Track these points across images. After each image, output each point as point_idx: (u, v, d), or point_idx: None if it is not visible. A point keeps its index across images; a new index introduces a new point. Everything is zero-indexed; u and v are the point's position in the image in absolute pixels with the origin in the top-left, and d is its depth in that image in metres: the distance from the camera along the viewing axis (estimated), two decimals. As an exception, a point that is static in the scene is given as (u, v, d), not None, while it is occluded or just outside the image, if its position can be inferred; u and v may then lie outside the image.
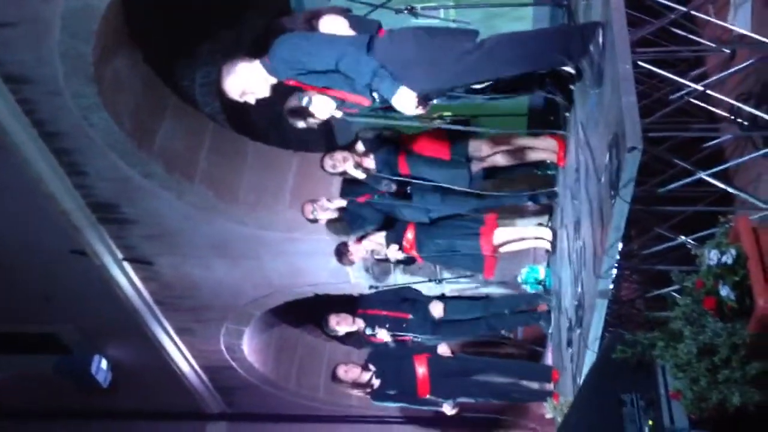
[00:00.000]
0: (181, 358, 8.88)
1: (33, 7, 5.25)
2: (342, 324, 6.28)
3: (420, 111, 4.23)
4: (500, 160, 5.65)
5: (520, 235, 6.07)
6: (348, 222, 6.13)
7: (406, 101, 4.07)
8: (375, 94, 4.14)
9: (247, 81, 4.16)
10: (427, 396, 6.28)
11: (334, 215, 6.06)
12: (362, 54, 4.03)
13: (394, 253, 5.99)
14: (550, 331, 6.29)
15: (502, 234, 5.98)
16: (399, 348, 6.45)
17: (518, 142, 5.63)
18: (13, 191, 6.73)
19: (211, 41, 7.13)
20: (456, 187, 5.60)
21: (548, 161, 5.60)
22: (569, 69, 4.27)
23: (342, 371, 6.14)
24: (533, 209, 6.26)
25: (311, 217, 6.02)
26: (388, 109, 4.47)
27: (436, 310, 6.30)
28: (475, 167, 5.59)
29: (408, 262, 6.39)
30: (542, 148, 5.53)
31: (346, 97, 4.29)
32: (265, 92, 4.25)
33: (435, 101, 4.48)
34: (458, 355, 6.42)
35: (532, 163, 5.70)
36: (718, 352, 2.76)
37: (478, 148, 5.56)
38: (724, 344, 2.75)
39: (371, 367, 6.18)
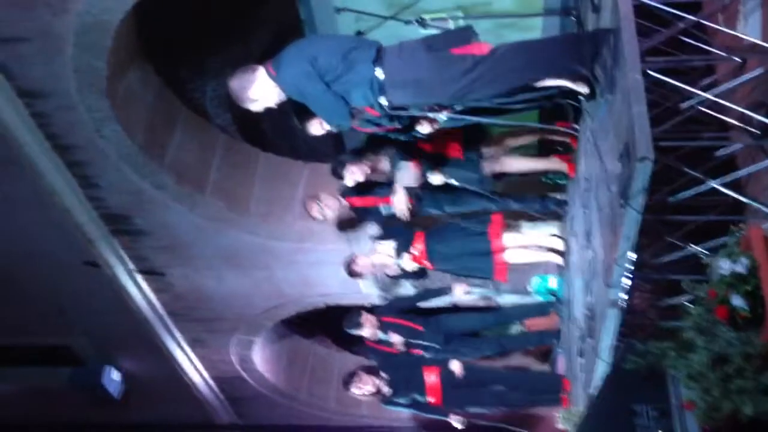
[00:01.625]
0: (193, 369, 8.89)
1: (47, 22, 5.31)
2: (369, 323, 6.24)
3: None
4: (511, 166, 5.68)
5: (532, 242, 6.05)
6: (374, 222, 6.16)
7: None
8: (382, 99, 4.15)
9: (256, 89, 4.15)
10: (438, 405, 6.28)
11: (341, 211, 6.00)
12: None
13: (407, 263, 5.98)
14: (559, 349, 6.31)
15: (511, 238, 5.97)
16: (409, 358, 6.44)
17: (527, 163, 5.73)
18: (27, 204, 6.78)
19: (222, 54, 7.18)
20: (467, 187, 5.62)
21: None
22: (580, 89, 4.24)
23: (354, 387, 6.12)
24: (542, 216, 6.25)
25: (318, 215, 5.82)
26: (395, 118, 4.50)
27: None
28: (487, 168, 5.61)
29: (419, 276, 6.37)
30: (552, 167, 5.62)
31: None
32: (274, 101, 4.25)
33: (447, 116, 4.50)
34: (469, 365, 6.38)
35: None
36: (731, 362, 2.75)
37: (490, 147, 5.60)
38: (737, 354, 2.73)
39: (383, 375, 6.17)
